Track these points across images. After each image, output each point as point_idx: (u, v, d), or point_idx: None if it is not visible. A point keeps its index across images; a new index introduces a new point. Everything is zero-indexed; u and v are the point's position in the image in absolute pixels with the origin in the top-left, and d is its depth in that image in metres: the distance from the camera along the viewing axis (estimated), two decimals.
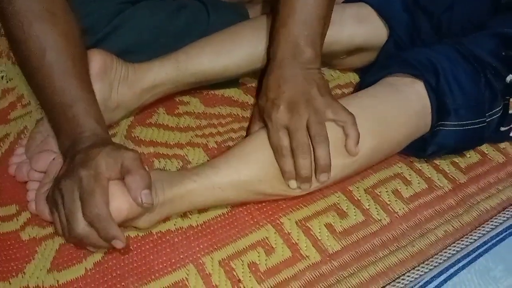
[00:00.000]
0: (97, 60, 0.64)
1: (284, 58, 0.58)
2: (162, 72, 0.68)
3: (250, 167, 0.56)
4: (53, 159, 0.58)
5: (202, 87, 0.74)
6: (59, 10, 0.57)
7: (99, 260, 0.55)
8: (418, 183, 0.64)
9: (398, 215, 0.60)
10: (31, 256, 0.55)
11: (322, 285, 0.53)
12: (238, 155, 0.57)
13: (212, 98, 0.75)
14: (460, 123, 0.59)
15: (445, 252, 0.55)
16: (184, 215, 0.59)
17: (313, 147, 0.54)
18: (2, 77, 0.77)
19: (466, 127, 0.60)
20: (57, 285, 0.52)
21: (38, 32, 0.55)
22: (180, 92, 0.73)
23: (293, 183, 0.56)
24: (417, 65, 0.61)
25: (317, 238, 0.58)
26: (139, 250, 0.56)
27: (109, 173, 0.49)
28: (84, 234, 0.48)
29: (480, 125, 0.60)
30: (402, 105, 0.60)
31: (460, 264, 0.54)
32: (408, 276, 0.53)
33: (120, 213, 0.49)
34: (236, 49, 0.68)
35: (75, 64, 0.56)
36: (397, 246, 0.57)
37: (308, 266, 0.55)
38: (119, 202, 0.49)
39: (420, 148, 0.62)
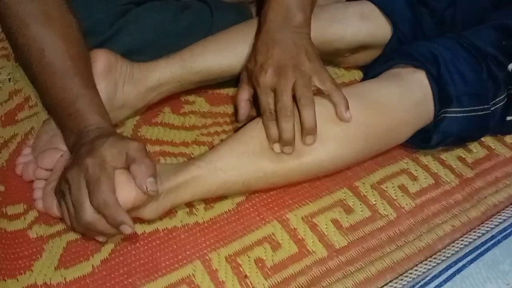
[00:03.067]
0: (101, 59, 0.64)
1: (275, 21, 0.59)
2: (167, 71, 0.68)
3: (247, 144, 0.56)
4: (60, 156, 0.59)
5: (207, 86, 0.74)
6: (57, 12, 0.58)
7: (106, 257, 0.55)
8: (425, 178, 0.63)
9: (405, 210, 0.60)
10: (39, 254, 0.55)
11: (329, 280, 0.53)
12: (237, 137, 0.57)
13: (217, 97, 0.75)
14: (463, 109, 0.59)
15: (453, 246, 0.55)
16: (190, 211, 0.59)
17: (298, 109, 0.54)
18: (9, 79, 0.78)
19: (470, 114, 0.60)
20: (64, 282, 0.53)
21: (36, 34, 0.56)
22: (185, 92, 0.74)
23: (276, 147, 0.56)
24: (418, 56, 0.61)
25: (324, 233, 0.57)
26: (145, 247, 0.56)
27: (114, 162, 0.49)
28: (92, 221, 0.48)
29: (484, 112, 0.60)
30: (403, 92, 0.60)
31: (468, 258, 0.53)
32: (416, 270, 0.53)
33: (127, 201, 0.49)
34: (241, 47, 0.69)
35: (75, 63, 0.57)
36: (404, 241, 0.56)
37: (314, 261, 0.55)
38: (126, 191, 0.49)
39: (424, 139, 0.62)
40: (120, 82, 0.66)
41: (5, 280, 0.52)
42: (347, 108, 0.56)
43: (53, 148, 0.60)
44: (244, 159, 0.56)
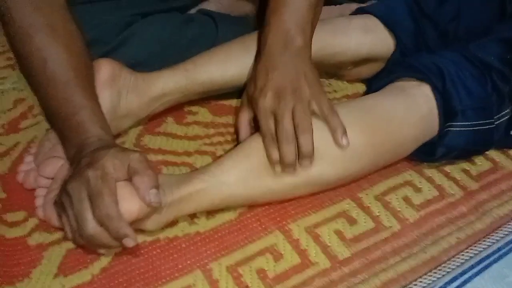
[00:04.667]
0: (105, 68, 0.64)
1: (274, 45, 0.59)
2: (170, 81, 0.68)
3: (252, 160, 0.56)
4: (61, 165, 0.59)
5: (210, 97, 0.75)
6: (60, 22, 0.58)
7: (106, 266, 0.54)
8: (429, 190, 0.63)
9: (409, 222, 0.59)
10: (38, 262, 0.54)
11: None
12: (241, 150, 0.57)
13: (220, 107, 0.75)
14: (468, 123, 0.59)
15: (458, 258, 0.54)
16: (191, 221, 0.59)
17: (296, 135, 0.54)
18: (14, 88, 0.78)
19: (474, 128, 0.59)
20: None
21: (39, 45, 0.56)
22: (188, 102, 0.74)
23: (278, 168, 0.55)
24: (423, 69, 0.61)
25: (327, 244, 0.57)
26: (146, 256, 0.55)
27: (116, 174, 0.49)
28: (94, 234, 0.47)
29: (489, 126, 0.60)
30: (408, 106, 0.60)
31: (474, 270, 0.52)
32: (421, 282, 0.52)
33: (130, 214, 0.49)
34: (244, 58, 0.69)
35: (77, 74, 0.57)
36: (409, 253, 0.56)
37: (317, 272, 0.54)
38: (129, 203, 0.49)
39: (429, 152, 0.62)
40: (124, 91, 0.66)
41: (3, 287, 0.51)
42: (344, 134, 0.55)
43: (55, 156, 0.60)
44: (248, 174, 0.55)
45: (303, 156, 0.55)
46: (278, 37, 0.59)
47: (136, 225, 0.52)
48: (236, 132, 0.65)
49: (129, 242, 0.47)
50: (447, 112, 0.60)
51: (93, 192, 0.47)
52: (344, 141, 0.55)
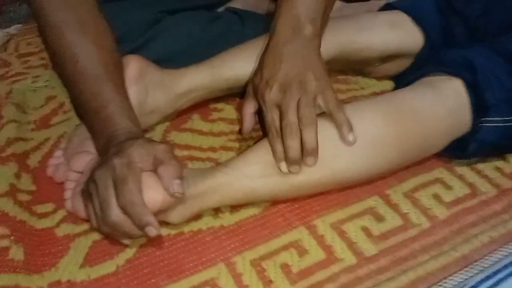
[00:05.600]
0: (133, 64, 0.65)
1: (283, 33, 0.57)
2: (196, 78, 0.69)
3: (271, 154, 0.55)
4: (90, 159, 0.59)
5: (235, 94, 0.75)
6: (91, 19, 0.60)
7: (131, 257, 0.54)
8: (460, 188, 0.61)
9: (439, 219, 0.57)
10: (65, 252, 0.55)
11: None
12: (264, 145, 0.56)
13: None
14: (501, 119, 0.57)
15: (491, 257, 0.52)
16: (215, 214, 0.58)
17: (300, 130, 0.53)
18: (46, 86, 0.81)
19: (508, 124, 0.57)
20: (88, 280, 0.52)
21: (71, 42, 0.57)
22: (214, 100, 0.74)
23: (283, 166, 0.54)
24: (453, 63, 0.60)
25: (353, 241, 0.55)
26: (170, 249, 0.55)
27: (141, 164, 0.49)
28: (118, 221, 0.48)
29: None
30: (437, 100, 0.58)
31: (508, 271, 0.50)
32: (451, 280, 0.50)
33: (154, 203, 0.49)
34: None
35: (107, 69, 0.58)
36: (439, 251, 0.54)
37: (343, 269, 0.52)
38: (153, 193, 0.49)
39: (460, 148, 0.60)
40: (151, 87, 0.67)
41: (31, 275, 0.52)
42: (350, 130, 0.53)
43: (84, 151, 0.61)
44: (270, 169, 0.55)
45: (306, 152, 0.53)
46: (287, 26, 0.57)
47: (160, 217, 0.52)
48: (240, 123, 0.64)
49: (151, 231, 0.47)
50: (479, 107, 0.58)
51: (118, 179, 0.48)
52: (350, 138, 0.53)
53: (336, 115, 0.54)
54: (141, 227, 0.47)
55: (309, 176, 0.55)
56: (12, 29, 0.97)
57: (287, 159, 0.53)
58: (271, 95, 0.55)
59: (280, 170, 0.54)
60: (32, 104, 0.77)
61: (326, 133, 0.54)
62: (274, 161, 0.55)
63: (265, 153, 0.55)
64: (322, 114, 0.55)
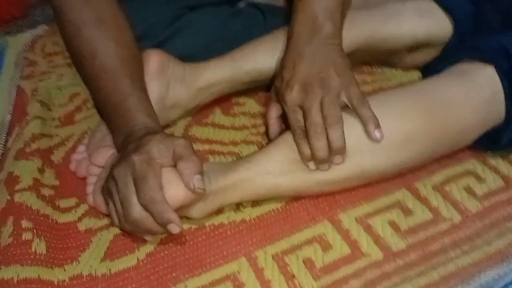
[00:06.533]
0: (154, 59, 0.65)
1: (301, 34, 0.56)
2: (218, 71, 0.68)
3: (297, 152, 0.53)
4: (111, 154, 0.59)
5: (258, 88, 0.73)
6: (109, 15, 0.59)
7: (152, 251, 0.54)
8: (494, 180, 0.58)
9: (471, 213, 0.54)
10: (86, 246, 0.55)
11: (386, 284, 0.48)
12: (287, 141, 0.55)
13: (268, 98, 0.73)
14: None
15: None
16: (237, 208, 0.57)
17: (326, 128, 0.51)
18: (71, 84, 0.81)
19: None
20: (109, 274, 0.52)
21: (89, 38, 0.58)
22: (236, 94, 0.73)
23: (311, 165, 0.52)
24: (486, 49, 0.56)
25: (379, 235, 0.53)
26: (191, 243, 0.54)
27: (161, 159, 0.49)
28: (139, 219, 0.47)
29: None
30: (471, 89, 0.55)
31: None
32: (485, 275, 0.47)
33: (176, 199, 0.48)
34: None
35: (124, 64, 0.58)
36: (471, 246, 0.51)
37: (369, 264, 0.50)
38: (174, 189, 0.48)
39: (493, 140, 0.56)
40: (172, 82, 0.66)
41: (53, 268, 0.52)
42: (377, 126, 0.51)
43: (106, 146, 0.61)
44: (294, 166, 0.53)
45: (334, 151, 0.51)
46: (305, 26, 0.56)
47: (181, 213, 0.51)
48: (266, 128, 0.63)
49: (174, 228, 0.46)
50: None
51: (138, 176, 0.47)
52: (377, 134, 0.51)
53: (362, 111, 0.52)
54: (163, 224, 0.47)
55: (337, 173, 0.53)
56: (39, 30, 0.98)
57: (315, 159, 0.52)
58: (292, 96, 0.54)
59: (308, 168, 0.53)
60: (57, 102, 0.78)
61: (353, 129, 0.52)
62: (299, 158, 0.53)
63: (288, 149, 0.54)
64: (348, 110, 0.53)
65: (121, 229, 0.53)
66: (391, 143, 0.53)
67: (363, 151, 0.53)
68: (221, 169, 0.54)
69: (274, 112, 0.60)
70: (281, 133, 0.60)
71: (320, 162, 0.52)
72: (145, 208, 0.47)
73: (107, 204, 0.52)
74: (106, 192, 0.52)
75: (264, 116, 0.63)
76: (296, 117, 0.54)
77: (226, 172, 0.54)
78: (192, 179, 0.48)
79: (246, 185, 0.53)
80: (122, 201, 0.48)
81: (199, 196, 0.50)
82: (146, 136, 0.51)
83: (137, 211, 0.47)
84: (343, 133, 0.51)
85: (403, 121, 0.53)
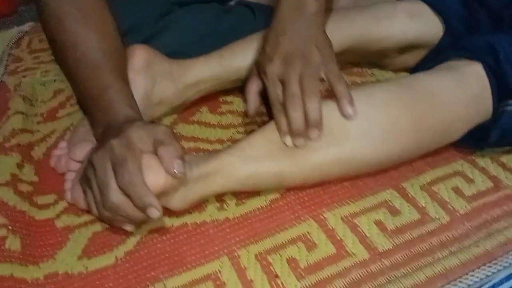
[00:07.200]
0: (139, 54, 0.64)
1: (287, 10, 0.56)
2: (206, 68, 0.67)
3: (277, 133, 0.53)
4: (91, 148, 0.58)
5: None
6: (92, 8, 0.58)
7: (131, 249, 0.52)
8: (483, 181, 0.57)
9: (459, 214, 0.53)
10: (63, 243, 0.53)
11: (371, 285, 0.47)
12: (270, 125, 0.54)
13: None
14: None
15: None
16: (220, 207, 0.56)
17: (303, 100, 0.51)
18: (55, 80, 0.80)
19: None
20: (86, 272, 0.50)
21: (70, 30, 0.56)
22: (223, 92, 0.72)
23: (288, 139, 0.52)
24: (474, 48, 0.56)
25: (365, 235, 0.52)
26: (172, 241, 0.53)
27: (141, 145, 0.47)
28: (118, 203, 0.46)
29: None
30: (458, 84, 0.55)
31: None
32: (472, 276, 0.46)
33: (156, 184, 0.47)
34: None
35: (106, 57, 0.57)
36: (459, 247, 0.50)
37: (354, 264, 0.49)
38: (154, 175, 0.46)
39: (481, 137, 0.56)
40: (158, 78, 0.65)
41: (27, 266, 0.50)
42: (351, 103, 0.51)
43: (86, 141, 0.60)
44: (275, 146, 0.52)
45: (310, 124, 0.51)
46: (290, 3, 0.56)
47: (162, 202, 0.49)
48: (246, 103, 0.62)
49: (153, 212, 0.45)
50: (502, 91, 0.54)
51: (117, 160, 0.46)
52: (349, 110, 0.51)
53: (338, 87, 0.52)
54: (143, 208, 0.45)
55: (320, 157, 0.52)
56: (26, 27, 0.97)
57: (291, 131, 0.51)
58: (273, 68, 0.54)
59: (285, 144, 0.52)
60: (40, 97, 0.76)
61: (334, 111, 0.52)
62: (280, 140, 0.53)
63: (270, 133, 0.53)
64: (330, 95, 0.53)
65: (100, 218, 0.51)
66: (376, 131, 0.52)
67: (342, 134, 0.52)
68: (204, 157, 0.53)
69: (253, 86, 0.60)
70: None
71: (296, 135, 0.51)
72: (124, 192, 0.46)
73: (85, 192, 0.51)
74: (84, 180, 0.50)
75: (244, 90, 0.62)
76: (275, 91, 0.54)
77: (208, 158, 0.52)
78: (173, 164, 0.47)
79: (228, 170, 0.52)
80: (100, 186, 0.47)
81: (179, 182, 0.49)
82: (125, 124, 0.50)
83: (115, 195, 0.46)
84: (320, 106, 0.51)
85: (389, 111, 0.53)
